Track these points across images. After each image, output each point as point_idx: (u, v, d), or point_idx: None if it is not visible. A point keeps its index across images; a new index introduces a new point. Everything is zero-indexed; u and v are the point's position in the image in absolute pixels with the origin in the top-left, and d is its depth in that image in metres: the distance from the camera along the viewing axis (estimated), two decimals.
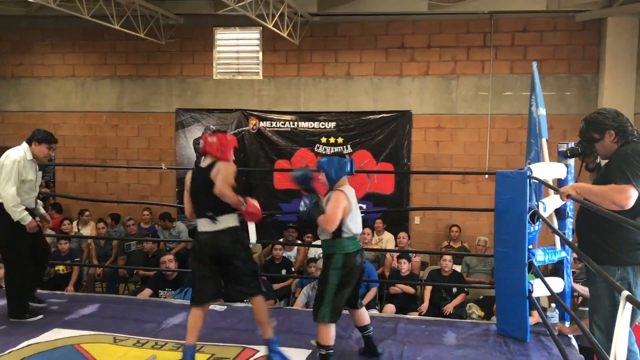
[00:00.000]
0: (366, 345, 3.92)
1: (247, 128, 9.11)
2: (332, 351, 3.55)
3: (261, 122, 9.07)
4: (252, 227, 5.19)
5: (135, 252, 7.76)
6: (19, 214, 4.43)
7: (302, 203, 3.66)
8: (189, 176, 3.80)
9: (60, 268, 7.05)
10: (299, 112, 9.00)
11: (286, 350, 3.93)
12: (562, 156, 4.30)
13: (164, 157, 9.29)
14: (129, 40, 9.15)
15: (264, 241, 8.34)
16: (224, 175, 3.59)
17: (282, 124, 9.03)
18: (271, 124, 9.05)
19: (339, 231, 3.55)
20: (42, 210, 4.92)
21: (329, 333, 3.52)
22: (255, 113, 9.10)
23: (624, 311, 2.08)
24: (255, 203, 3.75)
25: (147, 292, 6.02)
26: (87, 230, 8.58)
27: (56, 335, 4.23)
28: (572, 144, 3.51)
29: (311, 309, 5.39)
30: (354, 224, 3.62)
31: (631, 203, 2.89)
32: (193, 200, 3.74)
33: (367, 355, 3.89)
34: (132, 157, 9.62)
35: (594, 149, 3.26)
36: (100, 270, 7.66)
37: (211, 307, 5.05)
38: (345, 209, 3.54)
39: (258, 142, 9.06)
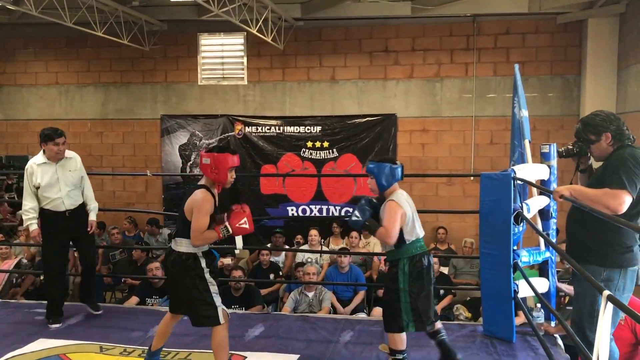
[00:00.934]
0: (442, 353, 3.69)
1: (232, 133, 9.10)
2: (405, 354, 3.52)
3: (247, 128, 9.06)
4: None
5: (120, 261, 7.71)
6: (25, 221, 4.58)
7: (356, 213, 3.54)
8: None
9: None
10: (285, 117, 9.02)
11: (274, 356, 3.93)
12: (557, 156, 4.18)
13: (149, 164, 9.26)
14: (113, 47, 9.12)
15: (250, 247, 8.34)
16: (196, 221, 3.28)
17: (267, 129, 9.03)
18: (257, 129, 9.05)
19: (400, 240, 3.49)
20: (92, 217, 4.79)
21: (402, 337, 3.49)
22: (241, 118, 9.09)
23: (605, 311, 2.11)
24: (241, 221, 3.45)
25: (134, 300, 5.97)
26: None
27: (41, 345, 4.18)
28: (569, 145, 3.44)
29: (299, 314, 5.42)
30: (415, 229, 3.56)
31: (624, 208, 2.86)
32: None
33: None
34: (118, 165, 9.57)
35: (589, 150, 3.24)
36: None
37: None
38: (402, 217, 3.47)
39: (244, 147, 9.05)
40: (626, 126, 3.13)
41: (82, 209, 4.75)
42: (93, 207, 4.82)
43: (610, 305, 2.09)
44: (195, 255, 3.38)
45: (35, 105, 9.80)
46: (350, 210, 8.77)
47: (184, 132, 9.29)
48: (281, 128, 8.99)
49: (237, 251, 6.42)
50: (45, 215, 4.59)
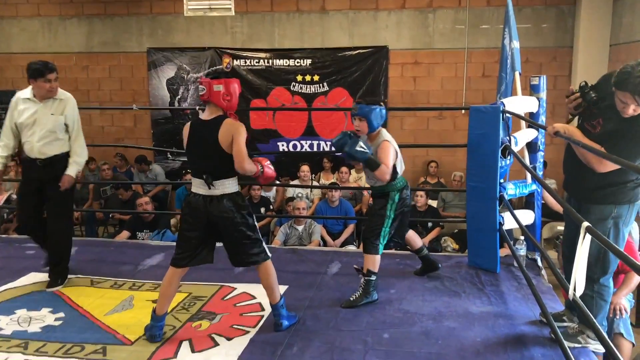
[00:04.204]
0: (424, 265, 4.25)
1: (220, 67, 8.91)
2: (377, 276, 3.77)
3: (235, 61, 8.87)
4: None
5: (111, 197, 7.73)
6: None
7: (361, 144, 3.62)
8: (186, 128, 3.25)
9: None
10: (274, 50, 8.81)
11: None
12: (580, 98, 3.01)
13: (137, 99, 9.11)
14: None
15: (241, 182, 8.35)
16: (240, 145, 3.10)
17: (256, 62, 8.85)
18: (245, 62, 8.87)
19: (393, 175, 3.78)
20: (69, 171, 4.06)
21: (378, 261, 3.75)
22: (229, 51, 8.89)
23: (584, 242, 2.13)
24: (269, 167, 3.39)
25: (125, 234, 6.04)
26: None
27: (33, 279, 4.24)
28: (592, 93, 2.80)
29: (289, 247, 5.50)
30: (401, 165, 3.88)
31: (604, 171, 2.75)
32: (188, 157, 3.31)
33: (427, 273, 4.25)
34: (105, 99, 9.41)
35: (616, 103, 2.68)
36: (78, 214, 7.64)
37: None
38: (395, 156, 3.76)
39: None
40: None
41: (61, 162, 4.07)
42: (74, 160, 4.12)
43: (588, 237, 2.12)
44: (240, 192, 3.28)
45: (17, 38, 9.51)
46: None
47: (171, 66, 9.10)
48: (270, 61, 8.81)
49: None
50: (23, 159, 4.18)
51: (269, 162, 3.42)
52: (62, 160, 4.08)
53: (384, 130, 3.82)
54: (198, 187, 3.20)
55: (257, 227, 3.30)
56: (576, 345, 2.96)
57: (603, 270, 2.91)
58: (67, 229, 4.26)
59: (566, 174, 3.13)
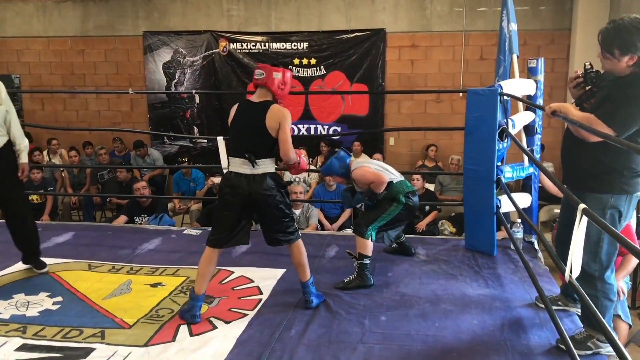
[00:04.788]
0: (400, 248, 4.44)
1: (217, 50, 8.85)
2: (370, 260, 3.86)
3: (231, 44, 8.81)
4: (223, 153, 5.17)
5: (109, 181, 7.71)
6: None
7: (358, 202, 4.08)
8: (234, 109, 3.38)
9: (34, 197, 7.00)
10: (271, 33, 8.74)
11: (261, 270, 4.02)
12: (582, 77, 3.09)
13: (133, 83, 9.05)
14: None
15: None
16: (287, 133, 3.24)
17: (253, 46, 8.78)
18: (242, 46, 8.80)
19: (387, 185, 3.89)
20: (23, 158, 3.95)
21: (370, 245, 3.81)
22: (225, 34, 8.82)
23: (580, 224, 2.13)
24: (304, 158, 3.59)
25: (123, 219, 6.03)
26: (57, 159, 8.46)
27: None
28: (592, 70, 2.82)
29: None
30: (391, 172, 4.01)
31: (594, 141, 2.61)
32: (232, 136, 3.38)
33: (401, 254, 4.42)
34: (101, 83, 9.35)
35: (602, 61, 2.70)
36: (75, 198, 7.63)
37: (186, 231, 5.14)
38: (372, 172, 3.89)
39: (229, 64, 8.84)
40: None
41: (7, 149, 3.88)
42: (24, 146, 3.95)
43: (585, 219, 2.12)
44: (277, 172, 3.37)
45: (11, 22, 9.42)
46: (339, 129, 8.74)
47: (167, 50, 9.03)
48: (267, 44, 8.75)
49: (225, 171, 6.40)
50: None
51: (305, 154, 3.65)
52: (8, 148, 3.89)
53: (352, 164, 4.05)
54: (239, 166, 3.26)
55: (292, 207, 3.44)
56: (587, 352, 2.78)
57: (601, 264, 2.74)
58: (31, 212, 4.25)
59: (563, 161, 3.02)
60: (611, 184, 2.71)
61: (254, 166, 3.22)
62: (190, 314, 3.28)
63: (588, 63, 2.82)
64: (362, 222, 3.85)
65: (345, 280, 3.78)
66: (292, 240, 3.38)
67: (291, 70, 3.44)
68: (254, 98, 3.34)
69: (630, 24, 2.57)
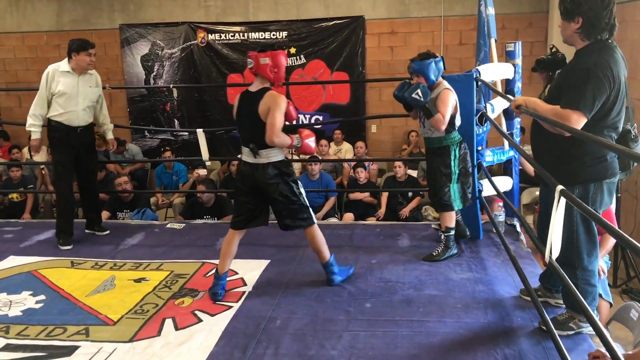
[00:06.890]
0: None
1: (195, 42, 8.77)
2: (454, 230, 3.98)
3: (210, 35, 8.73)
4: (203, 145, 5.15)
5: None
6: (29, 126, 4.49)
7: (418, 92, 3.64)
8: (237, 100, 3.45)
9: (14, 196, 6.92)
10: (249, 23, 8.68)
11: (245, 262, 4.01)
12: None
13: (111, 77, 8.93)
14: None
15: (221, 158, 8.31)
16: (273, 118, 3.23)
17: (231, 36, 8.71)
18: (220, 37, 8.72)
19: (451, 126, 3.81)
20: (110, 135, 4.90)
21: (453, 215, 3.94)
22: (203, 25, 8.73)
23: (559, 206, 2.15)
24: (310, 138, 3.55)
25: (105, 214, 5.97)
26: (38, 157, 8.32)
27: (12, 262, 4.20)
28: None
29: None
30: (459, 119, 3.89)
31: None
32: (237, 127, 3.53)
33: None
34: None
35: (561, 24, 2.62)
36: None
37: (169, 225, 5.11)
38: (454, 106, 3.76)
39: (208, 56, 8.76)
40: (611, 15, 2.47)
41: (92, 128, 4.68)
42: (111, 126, 4.88)
43: (563, 200, 2.14)
44: (285, 160, 3.41)
45: None
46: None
47: (144, 42, 8.92)
48: (245, 35, 8.68)
49: (208, 163, 6.37)
50: (54, 128, 4.47)
51: (313, 137, 3.58)
52: (92, 127, 4.69)
53: (445, 82, 3.87)
54: (246, 156, 3.38)
55: (304, 194, 3.47)
56: (569, 332, 2.81)
57: (579, 253, 2.70)
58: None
59: (533, 154, 2.94)
60: (574, 174, 2.61)
61: (255, 157, 3.31)
62: (212, 292, 3.44)
63: (551, 46, 2.85)
64: (443, 198, 3.89)
65: (434, 254, 3.94)
66: (303, 226, 3.47)
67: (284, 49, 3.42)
68: (252, 88, 3.39)
69: None
